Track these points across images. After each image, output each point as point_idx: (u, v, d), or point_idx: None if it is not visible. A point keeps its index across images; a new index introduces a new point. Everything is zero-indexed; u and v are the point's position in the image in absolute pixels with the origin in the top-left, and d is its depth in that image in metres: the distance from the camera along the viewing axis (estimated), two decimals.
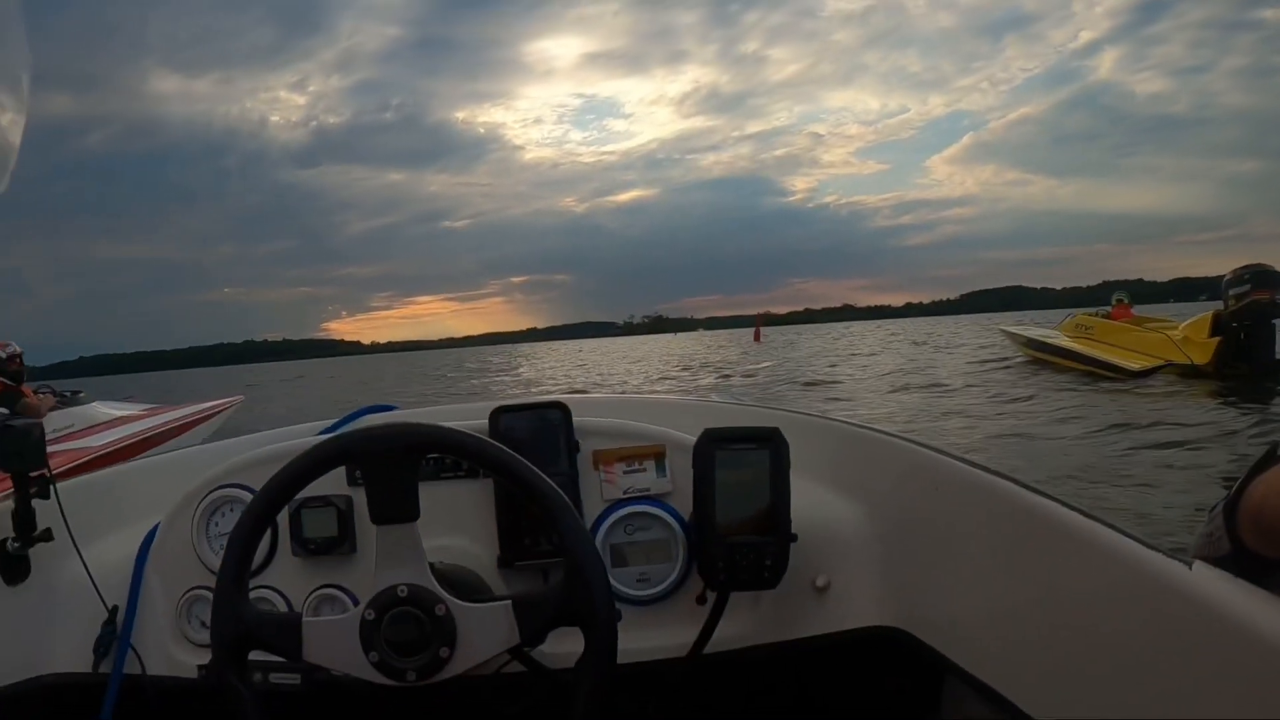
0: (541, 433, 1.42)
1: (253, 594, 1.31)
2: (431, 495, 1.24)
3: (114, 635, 1.45)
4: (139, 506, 1.71)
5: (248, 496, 1.41)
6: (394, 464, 1.03)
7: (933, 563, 1.28)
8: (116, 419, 10.03)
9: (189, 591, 1.45)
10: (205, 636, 1.39)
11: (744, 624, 1.36)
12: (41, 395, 9.08)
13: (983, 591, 1.16)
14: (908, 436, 1.46)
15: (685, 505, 1.34)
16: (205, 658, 1.40)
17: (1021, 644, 1.07)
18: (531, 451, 1.30)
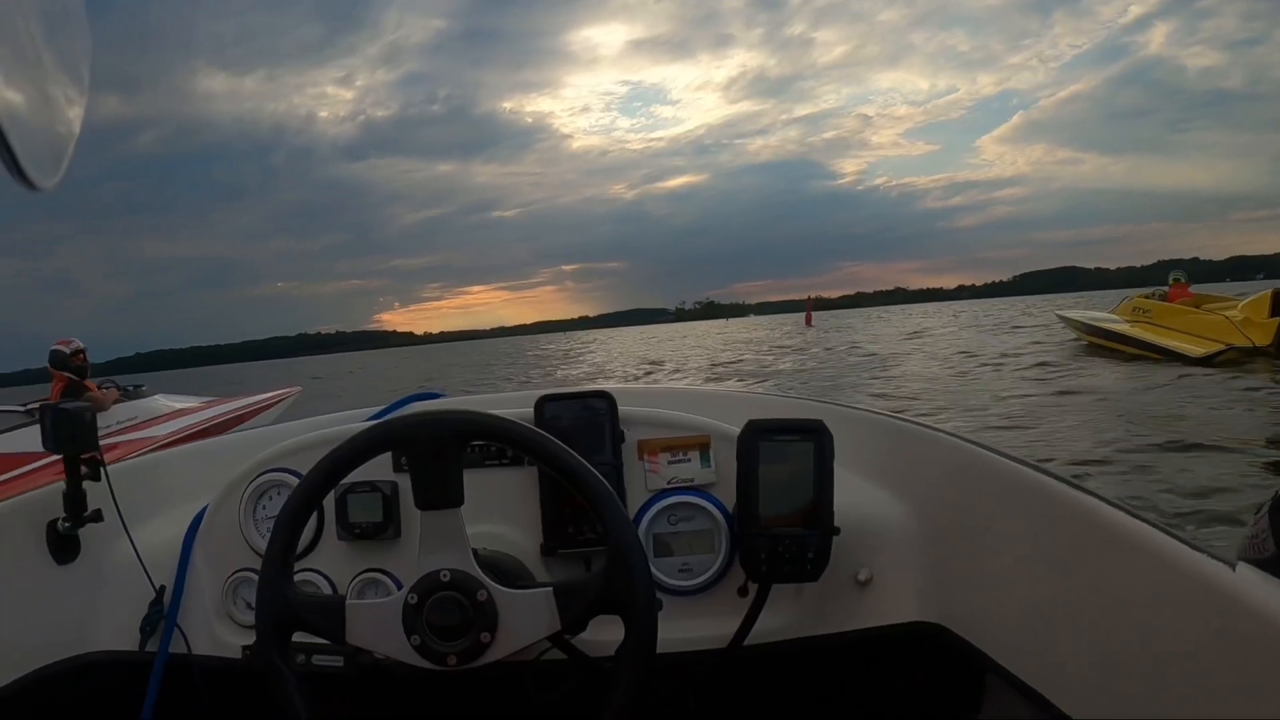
0: (586, 422, 1.42)
1: (298, 577, 1.34)
2: (476, 482, 1.26)
3: (161, 615, 1.48)
4: (187, 489, 1.74)
5: (294, 480, 1.44)
6: (439, 450, 1.04)
7: (975, 559, 1.26)
8: (177, 411, 10.29)
9: (235, 573, 1.47)
10: (250, 618, 1.42)
11: (785, 616, 1.35)
12: (105, 390, 9.35)
13: (1025, 589, 1.14)
14: (952, 431, 1.44)
15: (729, 496, 1.33)
16: (250, 638, 1.42)
17: (1063, 643, 1.05)
18: (576, 440, 1.32)
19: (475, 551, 1.06)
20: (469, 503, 1.06)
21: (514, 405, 1.43)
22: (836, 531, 1.24)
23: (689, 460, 1.40)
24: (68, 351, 8.95)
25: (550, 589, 1.03)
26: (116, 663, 1.48)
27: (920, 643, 1.33)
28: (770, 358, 25.05)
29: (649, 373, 24.15)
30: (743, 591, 1.34)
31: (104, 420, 8.81)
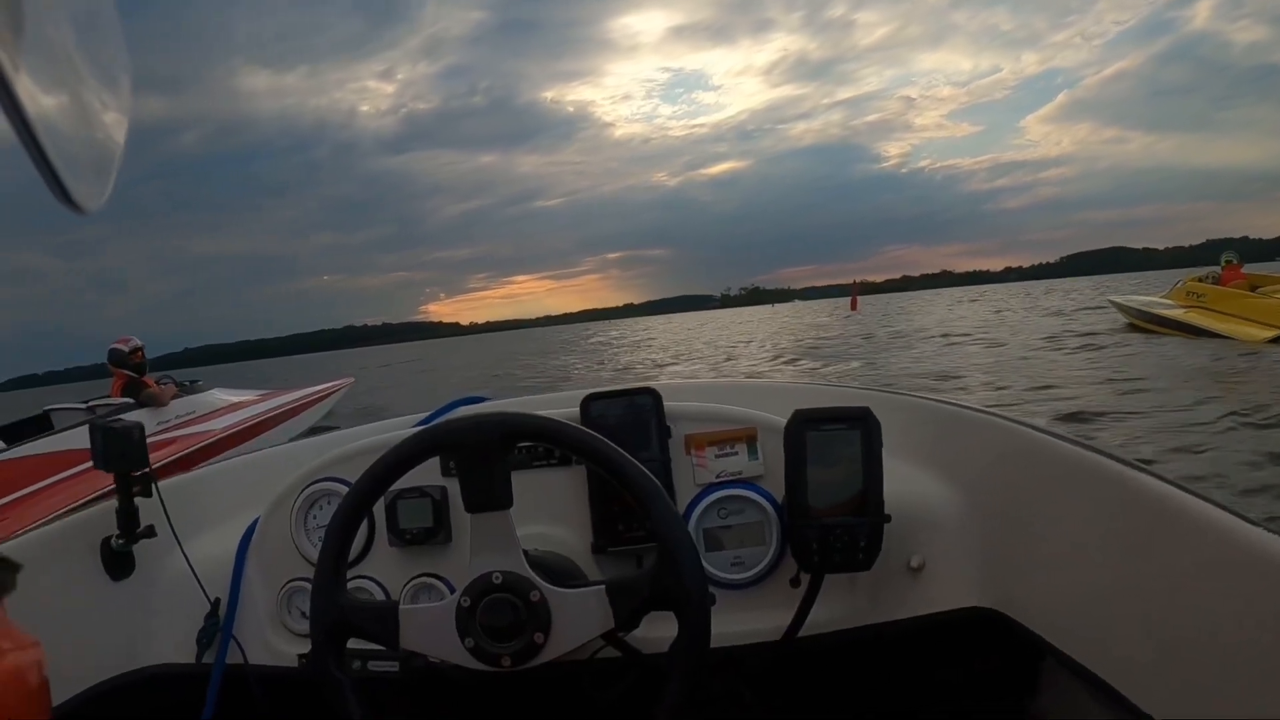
0: (632, 418, 1.41)
1: (351, 584, 1.34)
2: (525, 484, 1.26)
3: (216, 627, 1.49)
4: (238, 502, 1.76)
5: (344, 489, 1.44)
6: (486, 453, 1.04)
7: (1030, 542, 1.24)
8: (234, 404, 10.53)
9: (289, 583, 1.49)
10: (305, 626, 1.43)
11: (838, 606, 1.34)
12: (163, 385, 9.59)
13: (1082, 572, 1.12)
14: (1001, 413, 1.43)
15: (778, 488, 1.32)
16: (305, 647, 1.43)
17: (1121, 626, 1.03)
18: (623, 437, 1.30)
19: (526, 552, 1.07)
20: (519, 504, 1.07)
21: (560, 405, 1.43)
22: (887, 519, 1.23)
23: (736, 453, 1.39)
24: (126, 350, 9.26)
25: (602, 587, 1.03)
26: (174, 675, 1.50)
27: (976, 629, 1.31)
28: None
29: (729, 358, 23.76)
30: (795, 583, 1.32)
31: (163, 415, 9.14)
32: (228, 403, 10.51)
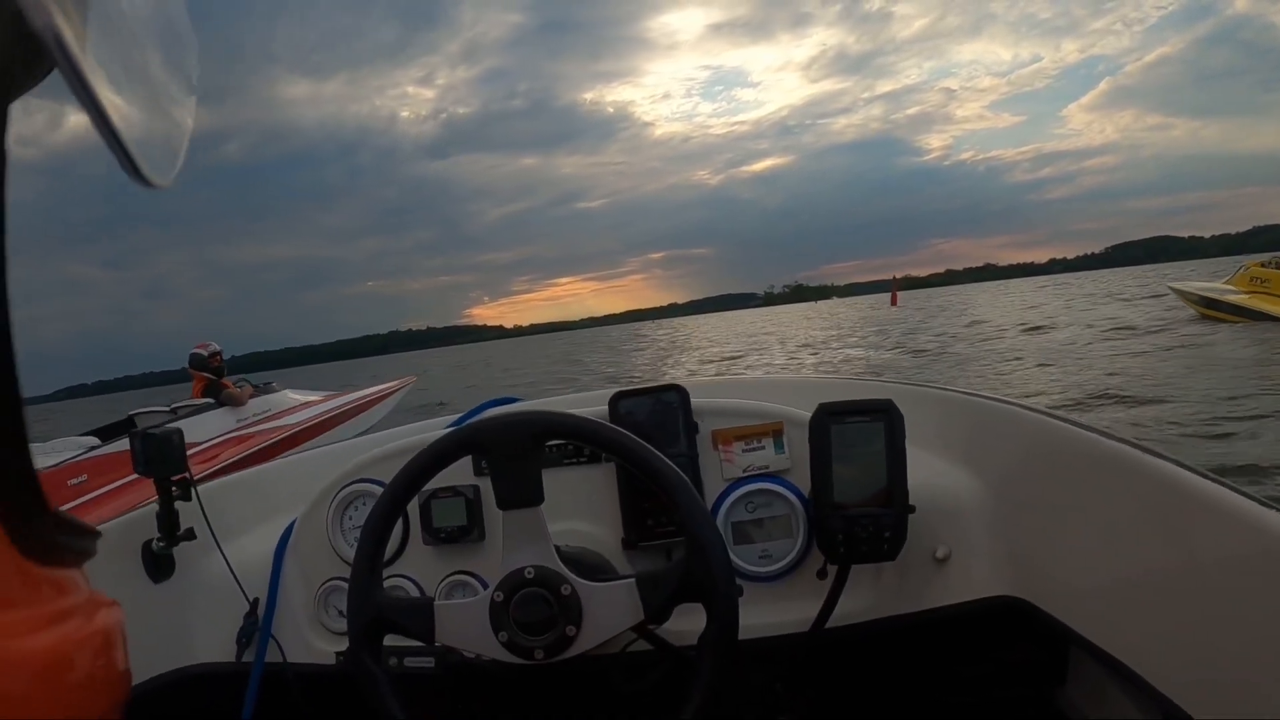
0: (660, 415, 1.44)
1: (387, 582, 1.39)
2: (556, 481, 1.30)
3: (255, 626, 1.53)
4: (276, 504, 1.80)
5: (378, 490, 1.47)
6: (516, 451, 1.07)
7: (1055, 531, 1.24)
8: (304, 403, 10.90)
9: (326, 582, 1.52)
10: (342, 625, 1.47)
11: (865, 597, 1.36)
12: (240, 387, 9.93)
13: (1108, 561, 1.12)
14: (1024, 403, 1.43)
15: (804, 481, 1.33)
16: (343, 645, 1.47)
17: (1149, 615, 1.02)
18: (651, 434, 1.35)
19: (558, 548, 1.09)
20: (550, 501, 1.09)
21: (589, 404, 1.46)
22: (912, 510, 1.24)
23: (763, 447, 1.41)
24: (206, 354, 9.82)
25: (632, 580, 1.05)
26: (214, 674, 1.53)
27: (1002, 618, 1.32)
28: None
29: (792, 358, 23.70)
30: (822, 575, 1.34)
31: (241, 414, 9.70)
32: (298, 402, 11.00)
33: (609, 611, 1.05)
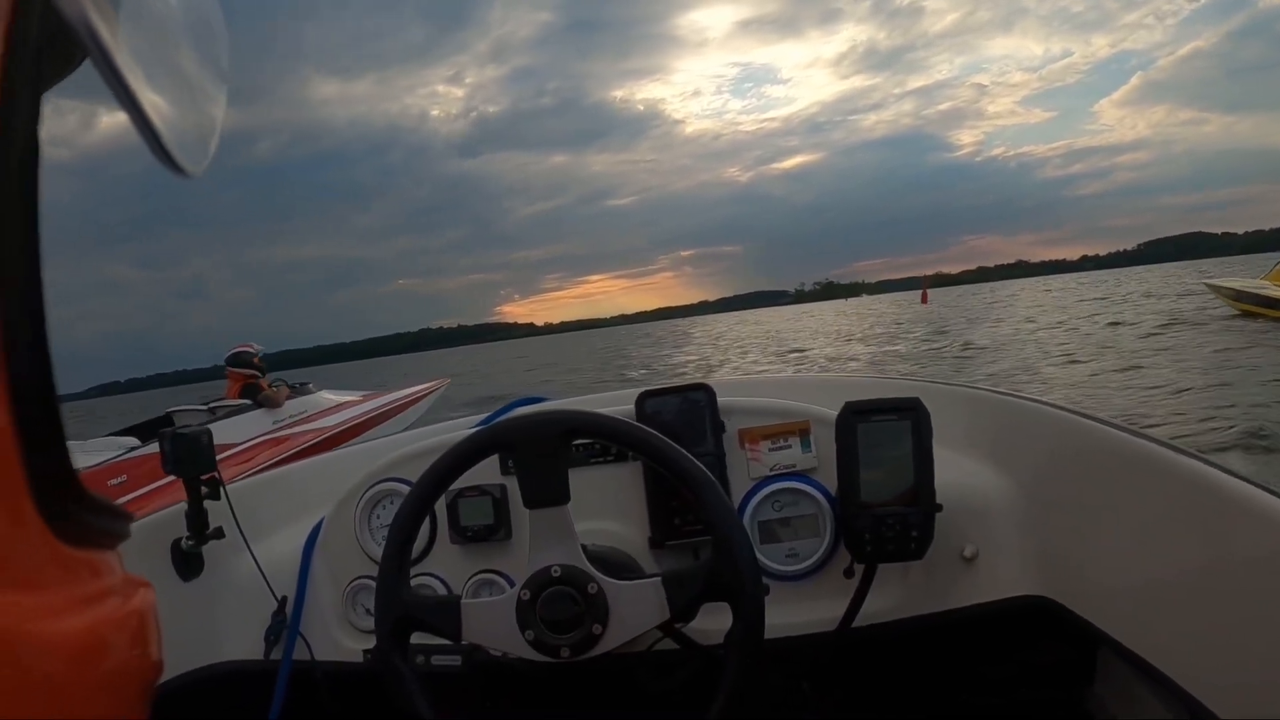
0: (687, 414, 1.44)
1: (414, 581, 1.38)
2: (583, 480, 1.29)
3: (283, 624, 1.54)
4: (304, 503, 1.80)
5: (406, 489, 1.46)
6: (543, 450, 1.07)
7: (1084, 531, 1.23)
8: (340, 404, 10.98)
9: (354, 581, 1.53)
10: (370, 623, 1.47)
11: (892, 596, 1.36)
12: (276, 387, 9.99)
13: (1138, 561, 1.10)
14: (1053, 401, 1.42)
15: (831, 479, 1.34)
16: (370, 643, 1.46)
17: (1179, 616, 1.01)
18: (678, 433, 1.34)
19: (584, 547, 1.09)
20: (577, 501, 1.09)
21: (616, 404, 1.47)
22: (939, 509, 1.24)
23: (790, 446, 1.41)
24: (254, 353, 10.02)
25: (659, 579, 1.05)
26: (242, 672, 1.54)
27: (1031, 618, 1.31)
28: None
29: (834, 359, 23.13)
30: (849, 573, 1.34)
31: (278, 415, 9.81)
32: (335, 403, 11.09)
33: (635, 610, 1.05)
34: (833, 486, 1.35)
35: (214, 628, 1.57)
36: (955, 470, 1.41)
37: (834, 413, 1.30)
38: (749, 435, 1.42)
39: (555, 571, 1.06)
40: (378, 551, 1.45)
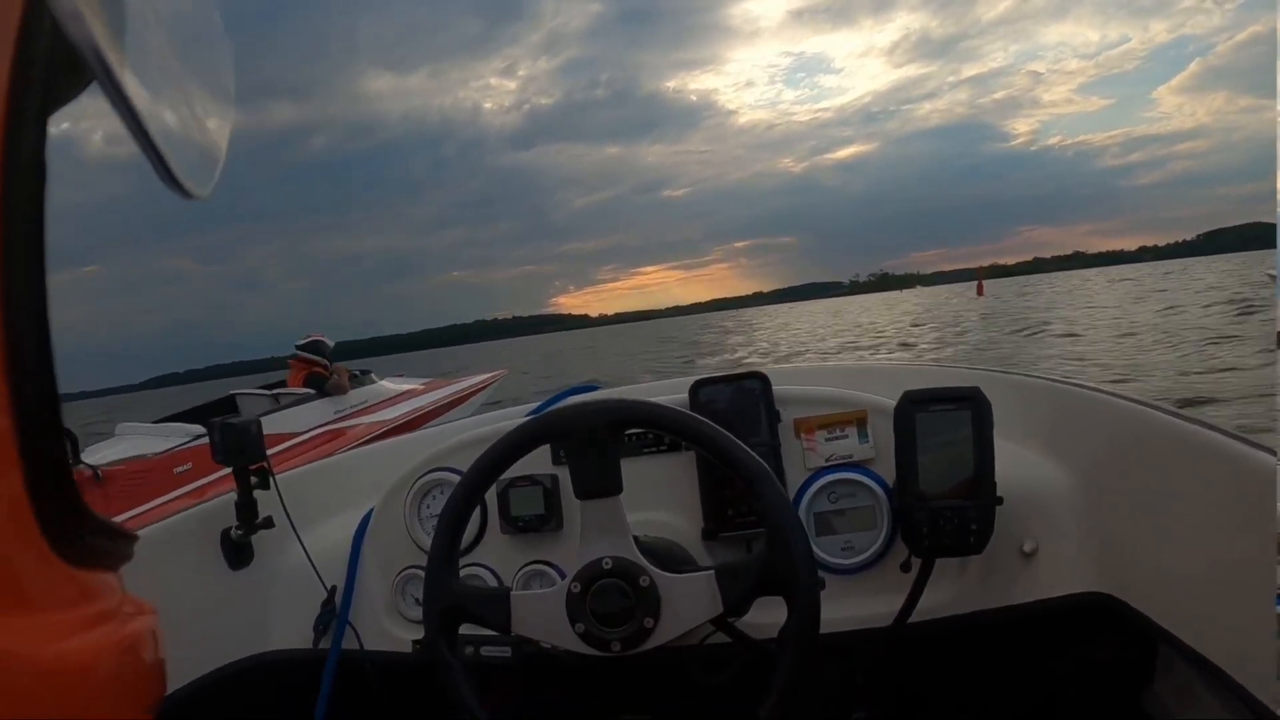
0: (741, 403, 1.42)
1: (464, 571, 1.39)
2: (635, 471, 1.29)
3: (333, 614, 1.54)
4: (354, 492, 1.80)
5: (456, 479, 1.46)
6: (595, 440, 1.06)
7: (1147, 525, 1.18)
8: (401, 394, 11.03)
9: (403, 571, 1.53)
10: (419, 613, 1.45)
11: (949, 591, 1.33)
12: (337, 376, 9.96)
13: (1201, 556, 1.07)
14: (1116, 391, 1.37)
15: (889, 471, 1.31)
16: (419, 633, 1.46)
17: (1243, 614, 0.97)
18: (732, 422, 1.32)
19: (636, 538, 1.07)
20: (629, 491, 1.07)
21: (669, 393, 1.45)
22: (999, 502, 1.21)
23: (846, 436, 1.39)
24: (327, 343, 10.05)
25: (712, 572, 1.03)
26: (291, 660, 1.55)
27: (1090, 614, 1.27)
28: None
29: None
30: (905, 567, 1.31)
31: (340, 404, 9.93)
32: (395, 392, 11.16)
33: (687, 603, 1.03)
34: (890, 478, 1.32)
35: (264, 617, 1.58)
36: (1014, 461, 1.38)
37: (892, 402, 1.27)
38: (805, 425, 1.40)
39: (606, 564, 1.05)
40: (427, 541, 1.44)
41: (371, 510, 1.59)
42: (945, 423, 1.22)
